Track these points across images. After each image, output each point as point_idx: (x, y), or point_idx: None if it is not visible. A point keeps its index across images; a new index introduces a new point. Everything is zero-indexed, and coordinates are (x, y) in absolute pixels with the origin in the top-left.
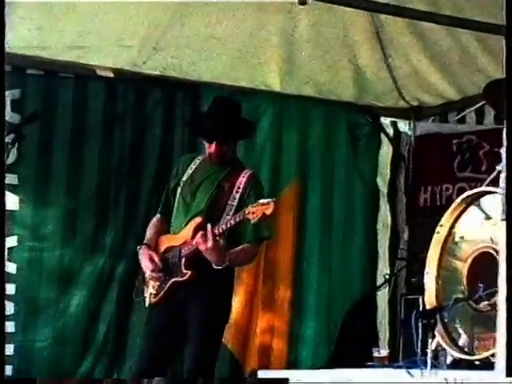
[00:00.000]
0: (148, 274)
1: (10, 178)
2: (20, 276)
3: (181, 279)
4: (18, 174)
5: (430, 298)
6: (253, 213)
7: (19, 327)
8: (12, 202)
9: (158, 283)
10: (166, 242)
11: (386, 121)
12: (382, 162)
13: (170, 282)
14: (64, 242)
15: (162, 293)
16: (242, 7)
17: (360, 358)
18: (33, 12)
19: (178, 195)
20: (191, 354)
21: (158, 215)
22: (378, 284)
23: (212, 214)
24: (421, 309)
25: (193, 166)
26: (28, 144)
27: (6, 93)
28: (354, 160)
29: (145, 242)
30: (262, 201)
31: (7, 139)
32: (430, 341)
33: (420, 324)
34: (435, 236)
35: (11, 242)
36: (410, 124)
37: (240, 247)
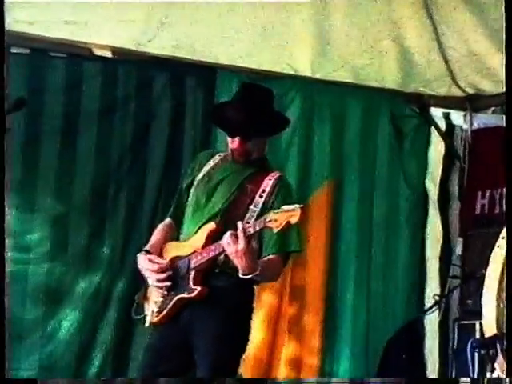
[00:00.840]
0: (153, 278)
1: None
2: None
3: (188, 296)
4: None
5: (489, 324)
6: (275, 220)
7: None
8: None
9: (161, 298)
10: (172, 250)
11: (437, 112)
12: (432, 162)
13: (175, 299)
14: (53, 253)
15: (165, 311)
16: None
17: None
18: None
19: (191, 196)
20: None
21: (168, 219)
22: (427, 307)
23: (229, 220)
24: (478, 336)
25: (211, 163)
26: (12, 136)
27: None
28: (398, 159)
29: (146, 248)
30: (286, 207)
31: None
32: (488, 374)
33: (477, 355)
34: (495, 250)
35: None
36: (465, 116)
37: (265, 258)
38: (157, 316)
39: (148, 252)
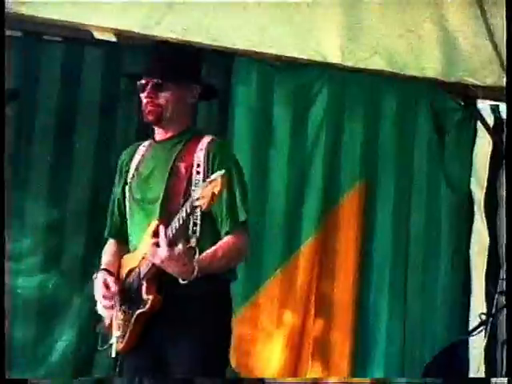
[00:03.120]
0: (101, 303)
1: None
2: None
3: (144, 309)
4: None
5: None
6: (202, 197)
7: None
8: None
9: (121, 321)
10: (127, 263)
11: (484, 105)
12: (479, 162)
13: (134, 317)
14: (46, 263)
15: (128, 333)
16: None
17: None
18: None
19: (127, 200)
20: None
21: (111, 240)
22: (471, 327)
23: (171, 212)
24: None
25: (137, 156)
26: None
27: None
28: (439, 158)
29: (102, 266)
30: (209, 179)
31: None
32: None
33: None
34: None
35: None
36: None
37: (217, 245)
38: (121, 342)
39: (107, 271)
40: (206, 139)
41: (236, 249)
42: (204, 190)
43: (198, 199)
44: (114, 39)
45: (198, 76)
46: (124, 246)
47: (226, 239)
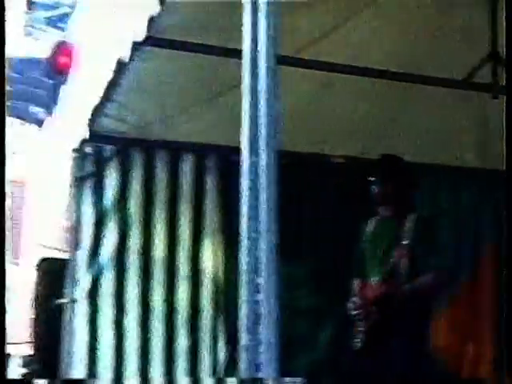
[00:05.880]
0: (352, 315)
1: None
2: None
3: (369, 324)
4: None
5: None
6: (397, 256)
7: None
8: None
9: (362, 329)
10: (371, 292)
11: None
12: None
13: (366, 327)
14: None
15: (364, 337)
16: None
17: None
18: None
19: (365, 252)
20: None
21: (357, 280)
22: None
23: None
24: None
25: (370, 226)
26: None
27: None
28: None
29: (355, 293)
30: (398, 246)
31: None
32: None
33: None
34: None
35: None
36: None
37: (418, 279)
38: (359, 342)
39: (356, 296)
40: (412, 217)
41: (430, 284)
42: (397, 253)
43: (396, 255)
44: (343, 161)
45: (406, 178)
46: (365, 281)
47: (425, 276)
